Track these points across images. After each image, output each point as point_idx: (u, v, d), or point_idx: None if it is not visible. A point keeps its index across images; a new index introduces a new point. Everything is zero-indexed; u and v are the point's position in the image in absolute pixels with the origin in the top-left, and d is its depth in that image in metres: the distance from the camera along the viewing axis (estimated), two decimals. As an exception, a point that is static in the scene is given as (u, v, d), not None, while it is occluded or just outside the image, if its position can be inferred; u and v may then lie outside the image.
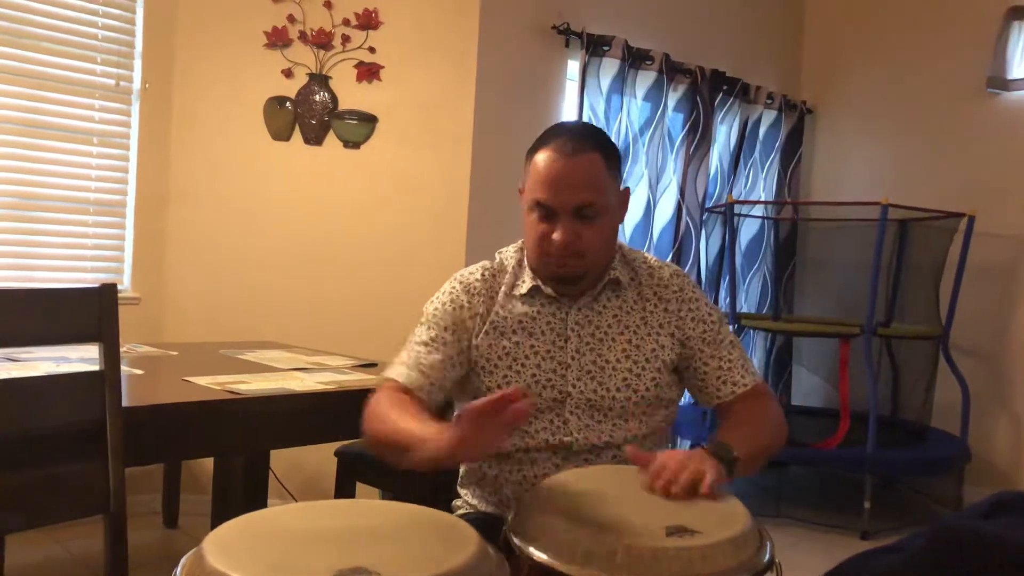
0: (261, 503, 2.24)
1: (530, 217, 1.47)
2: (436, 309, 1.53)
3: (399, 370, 1.48)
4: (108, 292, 1.59)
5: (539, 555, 0.99)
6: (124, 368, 2.11)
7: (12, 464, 1.46)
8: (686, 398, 1.64)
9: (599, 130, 1.56)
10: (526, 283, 1.52)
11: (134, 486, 3.09)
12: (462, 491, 1.61)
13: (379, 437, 1.37)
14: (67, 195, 3.10)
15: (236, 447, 2.04)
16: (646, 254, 1.61)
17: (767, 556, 1.02)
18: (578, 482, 1.17)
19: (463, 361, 1.50)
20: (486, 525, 1.29)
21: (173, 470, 3.08)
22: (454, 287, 1.54)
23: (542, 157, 1.44)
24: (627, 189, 1.55)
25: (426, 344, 1.49)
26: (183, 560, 0.89)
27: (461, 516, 1.54)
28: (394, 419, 1.34)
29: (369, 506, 1.06)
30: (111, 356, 1.58)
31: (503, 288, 1.53)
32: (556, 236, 1.42)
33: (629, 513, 1.05)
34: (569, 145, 1.42)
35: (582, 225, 1.43)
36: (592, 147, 1.43)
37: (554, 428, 1.46)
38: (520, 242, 1.59)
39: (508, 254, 1.59)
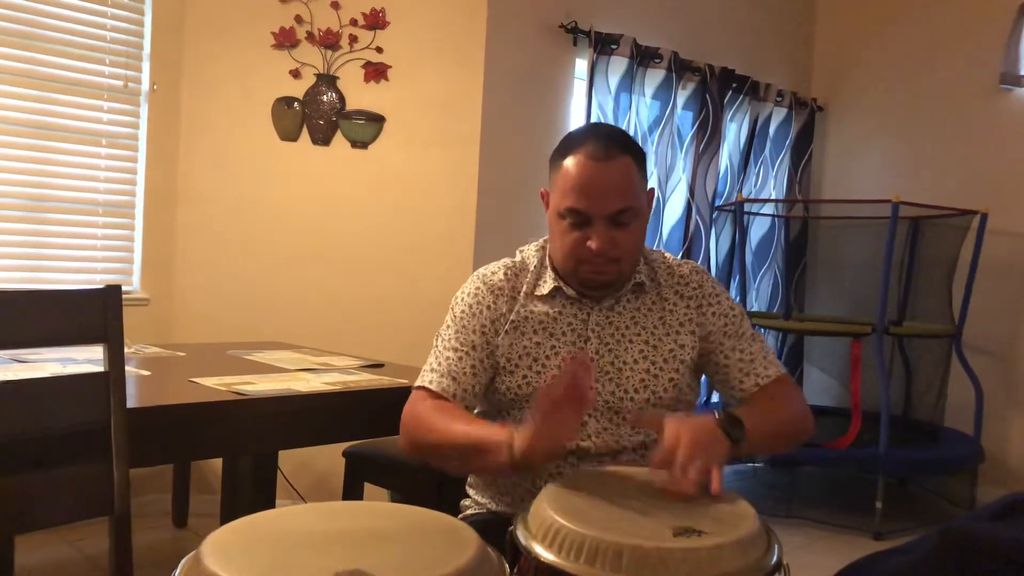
0: (269, 503, 2.24)
1: (561, 224, 1.45)
2: (463, 312, 1.51)
3: (431, 377, 1.47)
4: (112, 293, 1.58)
5: (545, 555, 0.98)
6: (131, 369, 2.11)
7: (17, 465, 1.46)
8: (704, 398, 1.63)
9: (626, 132, 1.54)
10: (548, 283, 1.51)
11: (144, 486, 3.11)
12: (471, 491, 1.60)
13: (431, 445, 1.37)
14: (76, 196, 3.11)
15: (242, 448, 2.04)
16: (664, 252, 1.60)
17: (775, 557, 1.01)
18: (586, 482, 1.16)
19: (492, 364, 1.49)
20: (494, 524, 1.28)
21: (182, 470, 3.09)
22: (479, 287, 1.53)
23: (573, 162, 1.41)
24: (652, 190, 1.54)
25: (456, 350, 1.48)
26: (182, 563, 0.89)
27: (469, 515, 1.54)
28: (447, 425, 1.34)
29: (369, 508, 1.05)
30: (116, 357, 1.57)
31: (524, 288, 1.52)
32: (592, 244, 1.41)
33: (636, 513, 1.04)
34: (602, 150, 1.40)
35: (617, 231, 1.41)
36: (623, 150, 1.42)
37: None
38: (542, 240, 1.57)
39: (530, 252, 1.58)
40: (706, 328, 1.50)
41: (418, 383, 1.48)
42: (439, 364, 1.48)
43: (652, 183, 3.86)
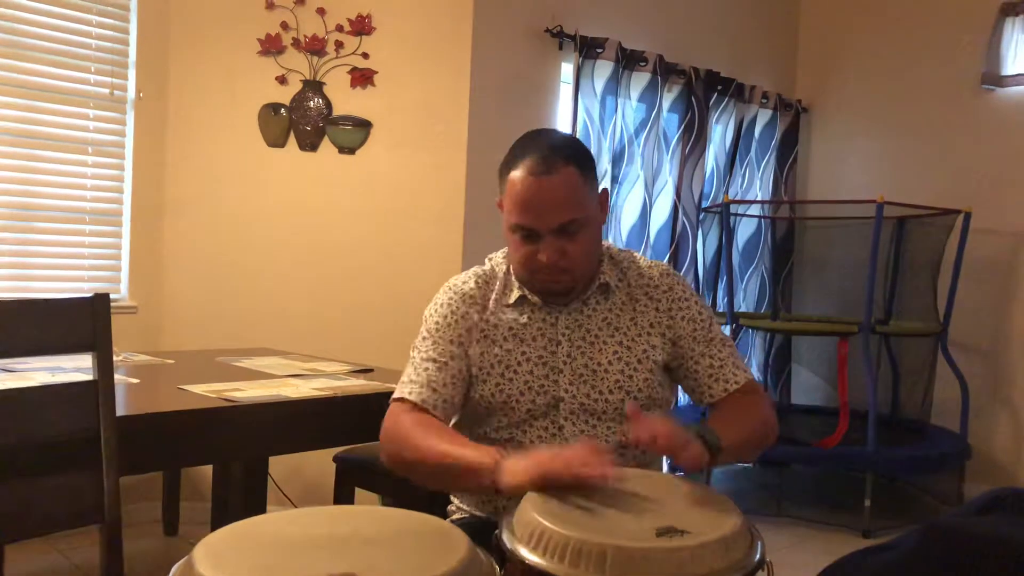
0: (260, 510, 2.24)
1: (513, 237, 1.46)
2: (438, 323, 1.51)
3: (410, 388, 1.46)
4: (100, 301, 1.59)
5: (531, 557, 0.99)
6: (120, 377, 2.11)
7: (6, 474, 1.46)
8: (684, 400, 1.65)
9: (569, 139, 1.54)
10: (514, 292, 1.52)
11: (134, 494, 3.10)
12: (455, 499, 1.60)
13: (412, 463, 1.37)
14: (63, 205, 3.10)
15: (231, 455, 2.05)
16: (635, 253, 1.60)
17: (758, 555, 1.02)
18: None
19: (470, 374, 1.49)
20: (479, 529, 1.29)
21: (172, 478, 3.09)
22: (451, 297, 1.53)
23: (516, 177, 1.41)
24: (605, 191, 1.54)
25: (434, 360, 1.47)
26: (174, 569, 0.90)
27: (455, 520, 1.54)
28: (429, 444, 1.34)
29: (360, 512, 1.06)
30: (104, 365, 1.58)
31: (494, 295, 1.53)
32: (541, 256, 1.42)
33: (620, 514, 1.06)
34: (542, 164, 1.39)
35: (566, 241, 1.42)
36: (565, 160, 1.41)
37: (549, 435, 1.46)
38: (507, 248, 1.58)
39: (498, 260, 1.59)
40: (676, 332, 1.51)
41: (397, 395, 1.48)
42: (418, 375, 1.47)
43: (638, 186, 3.87)
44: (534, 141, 1.47)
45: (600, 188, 1.51)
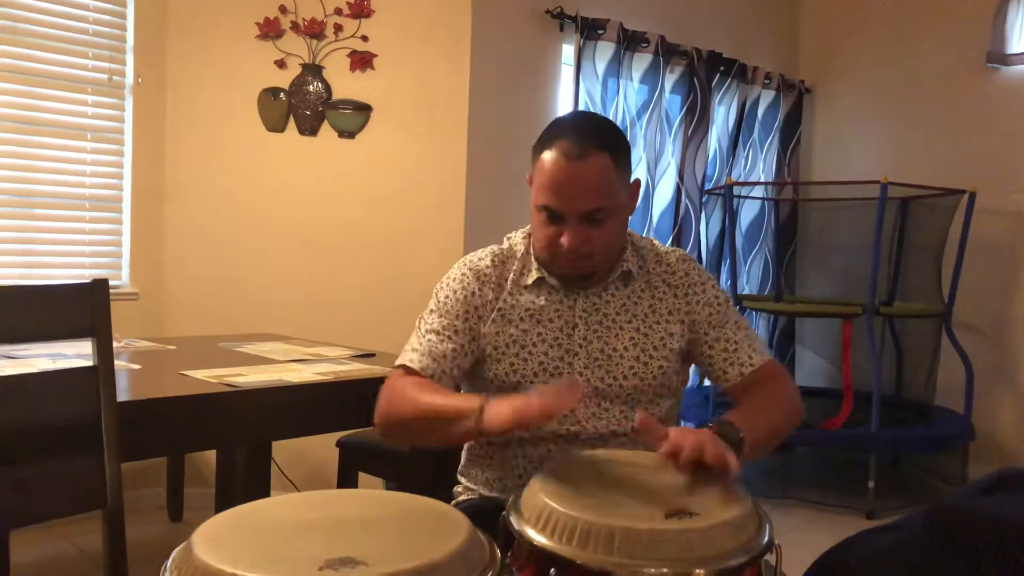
0: (264, 495, 2.23)
1: (539, 216, 1.44)
2: (447, 296, 1.51)
3: (411, 356, 1.46)
4: (99, 287, 1.58)
5: (538, 538, 0.98)
6: (122, 363, 2.11)
7: (8, 461, 1.46)
8: (692, 382, 1.63)
9: (608, 124, 1.50)
10: (532, 273, 1.51)
11: (138, 480, 3.10)
12: (462, 478, 1.60)
13: (404, 418, 1.36)
14: (63, 191, 3.09)
15: (234, 440, 2.04)
16: (653, 240, 1.59)
17: (766, 538, 1.01)
18: (577, 467, 1.16)
19: (474, 349, 1.49)
20: (487, 510, 1.28)
21: (176, 464, 3.09)
22: (464, 273, 1.52)
23: (548, 158, 1.39)
24: (637, 181, 1.52)
25: (438, 332, 1.47)
26: (173, 553, 0.89)
27: (462, 501, 1.54)
28: (422, 396, 1.34)
29: (359, 496, 1.06)
30: (104, 351, 1.57)
31: (512, 276, 1.52)
32: (564, 241, 1.40)
33: (628, 496, 1.05)
34: (576, 147, 1.37)
35: (591, 228, 1.40)
36: (599, 147, 1.38)
37: (561, 417, 1.45)
38: (528, 227, 1.56)
39: (517, 240, 1.57)
40: (692, 317, 1.50)
41: (398, 362, 1.48)
42: (420, 345, 1.47)
43: (641, 168, 3.85)
44: (572, 123, 1.45)
45: (633, 178, 1.49)
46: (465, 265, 1.54)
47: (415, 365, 1.44)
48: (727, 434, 1.23)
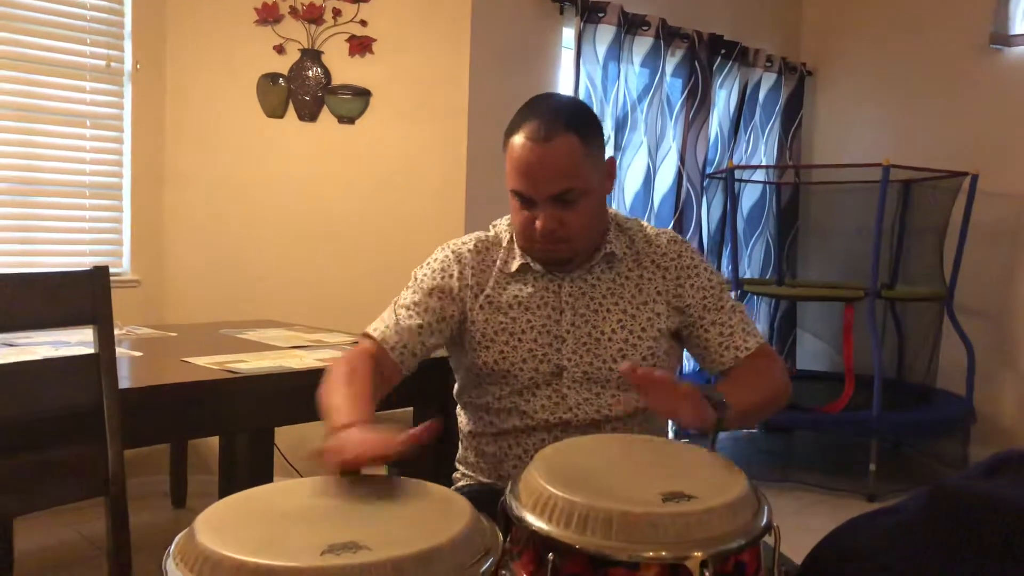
0: (267, 481, 2.25)
1: (513, 201, 1.45)
2: (424, 275, 1.52)
3: (376, 325, 1.48)
4: (100, 274, 1.58)
5: (537, 524, 0.99)
6: (123, 351, 2.11)
7: (11, 448, 1.47)
8: (691, 366, 1.63)
9: (576, 104, 1.51)
10: (517, 260, 1.51)
11: (142, 467, 3.11)
12: (460, 466, 1.61)
13: (320, 397, 1.31)
14: (62, 179, 3.09)
15: (236, 426, 2.05)
16: (642, 222, 1.58)
17: (764, 520, 1.02)
18: (574, 451, 1.17)
19: (443, 329, 1.49)
20: (485, 496, 1.29)
21: (179, 451, 3.10)
22: (446, 256, 1.53)
23: (516, 142, 1.39)
24: (612, 159, 1.52)
25: (407, 308, 1.48)
26: (176, 539, 0.89)
27: (461, 487, 1.55)
28: (333, 390, 1.29)
29: (362, 481, 1.06)
30: (106, 338, 1.57)
31: (498, 263, 1.52)
32: (538, 224, 1.40)
33: (625, 480, 1.05)
34: (542, 130, 1.36)
35: (563, 211, 1.40)
36: (566, 128, 1.37)
37: (552, 404, 1.45)
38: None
39: (502, 227, 1.57)
40: (684, 301, 1.50)
41: (366, 329, 1.49)
42: (388, 317, 1.49)
43: (642, 153, 3.84)
44: (539, 105, 1.45)
45: (607, 157, 1.49)
46: (448, 248, 1.55)
47: (376, 335, 1.46)
48: (711, 396, 1.23)
